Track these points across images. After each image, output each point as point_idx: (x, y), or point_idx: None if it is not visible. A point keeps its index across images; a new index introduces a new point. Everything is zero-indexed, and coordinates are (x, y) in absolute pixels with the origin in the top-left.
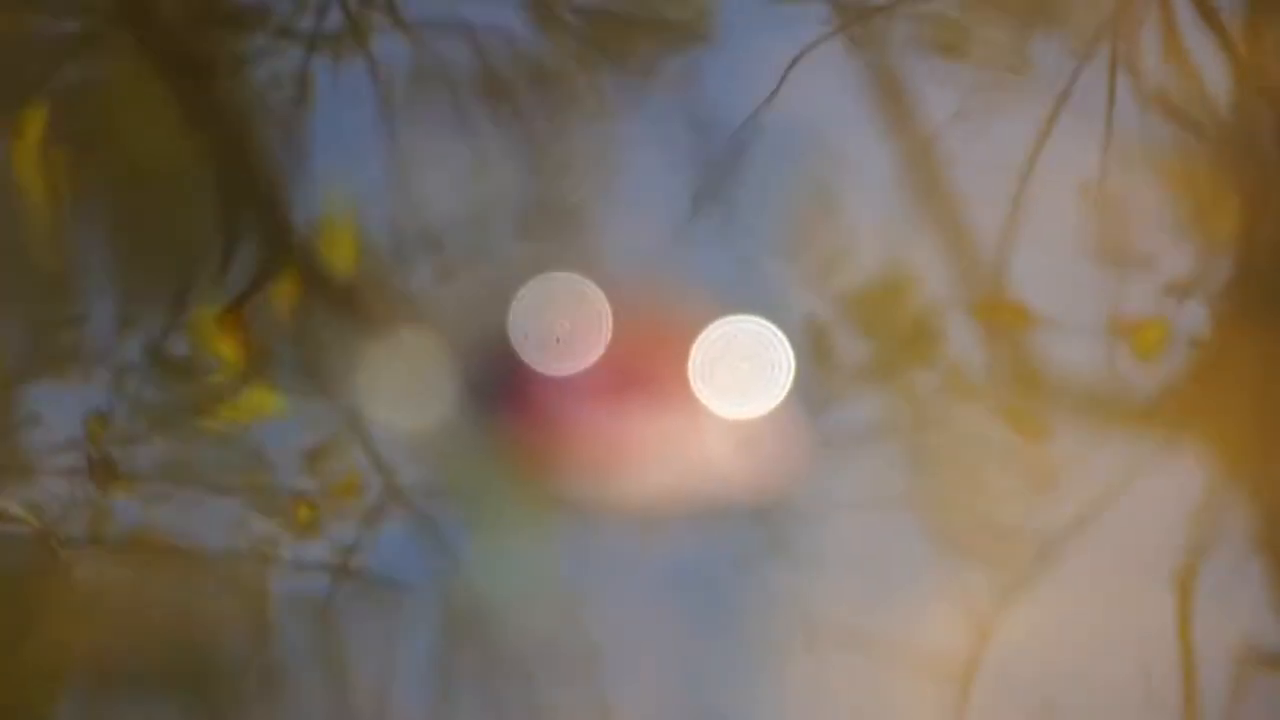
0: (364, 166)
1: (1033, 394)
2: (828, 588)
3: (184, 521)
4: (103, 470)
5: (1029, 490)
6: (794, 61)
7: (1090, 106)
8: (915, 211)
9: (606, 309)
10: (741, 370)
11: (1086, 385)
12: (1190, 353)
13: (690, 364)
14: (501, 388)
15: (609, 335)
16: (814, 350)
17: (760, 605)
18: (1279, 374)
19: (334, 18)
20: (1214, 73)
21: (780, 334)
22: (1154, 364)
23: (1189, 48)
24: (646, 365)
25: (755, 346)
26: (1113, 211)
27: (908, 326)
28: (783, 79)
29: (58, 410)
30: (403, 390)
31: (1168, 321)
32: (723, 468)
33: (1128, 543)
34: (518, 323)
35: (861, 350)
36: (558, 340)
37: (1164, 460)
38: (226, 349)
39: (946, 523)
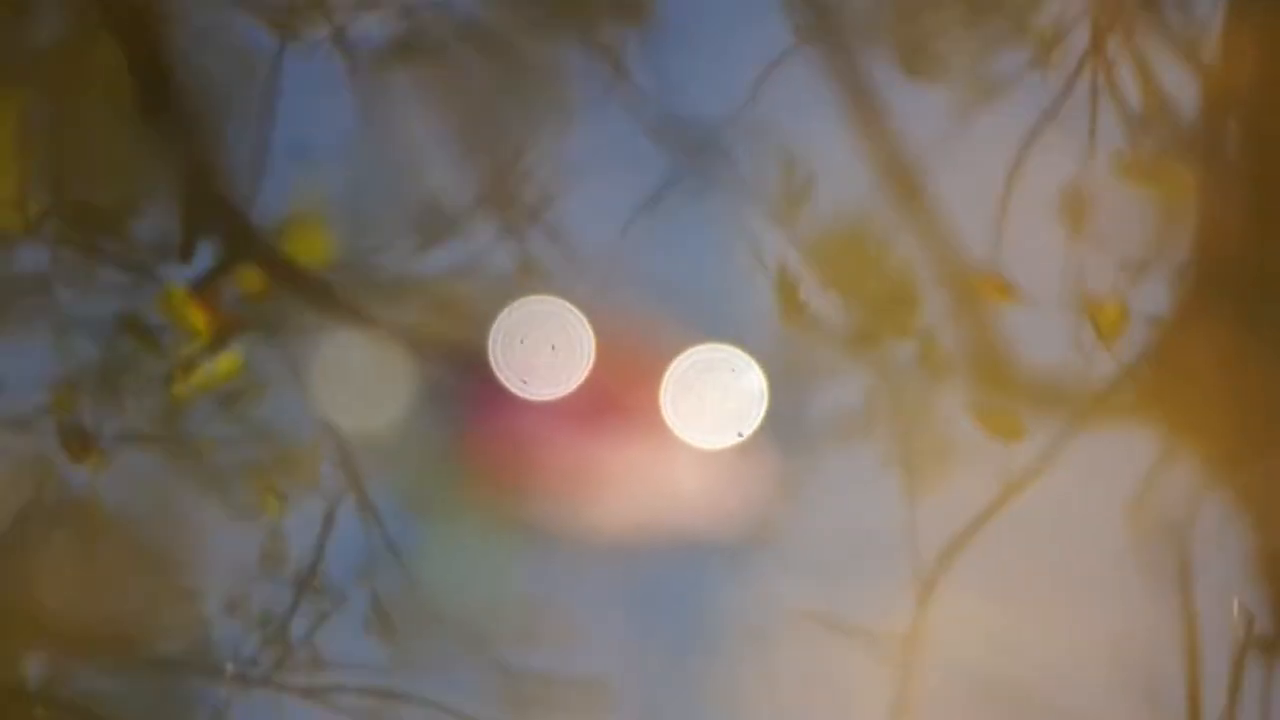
0: (330, 149)
1: (1000, 384)
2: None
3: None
4: (76, 440)
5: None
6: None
7: (1070, 113)
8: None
9: (589, 336)
10: (713, 399)
11: (1050, 371)
12: (1149, 337)
13: (661, 392)
14: (472, 403)
15: (590, 363)
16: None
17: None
18: (1237, 359)
19: None
20: (1180, 76)
21: (753, 362)
22: (1116, 343)
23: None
24: (619, 391)
25: (728, 375)
26: (1082, 200)
27: (885, 295)
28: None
29: (21, 376)
30: (367, 390)
31: (1127, 301)
32: (692, 498)
33: (1078, 520)
34: (497, 343)
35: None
36: (540, 366)
37: (1121, 441)
38: (197, 322)
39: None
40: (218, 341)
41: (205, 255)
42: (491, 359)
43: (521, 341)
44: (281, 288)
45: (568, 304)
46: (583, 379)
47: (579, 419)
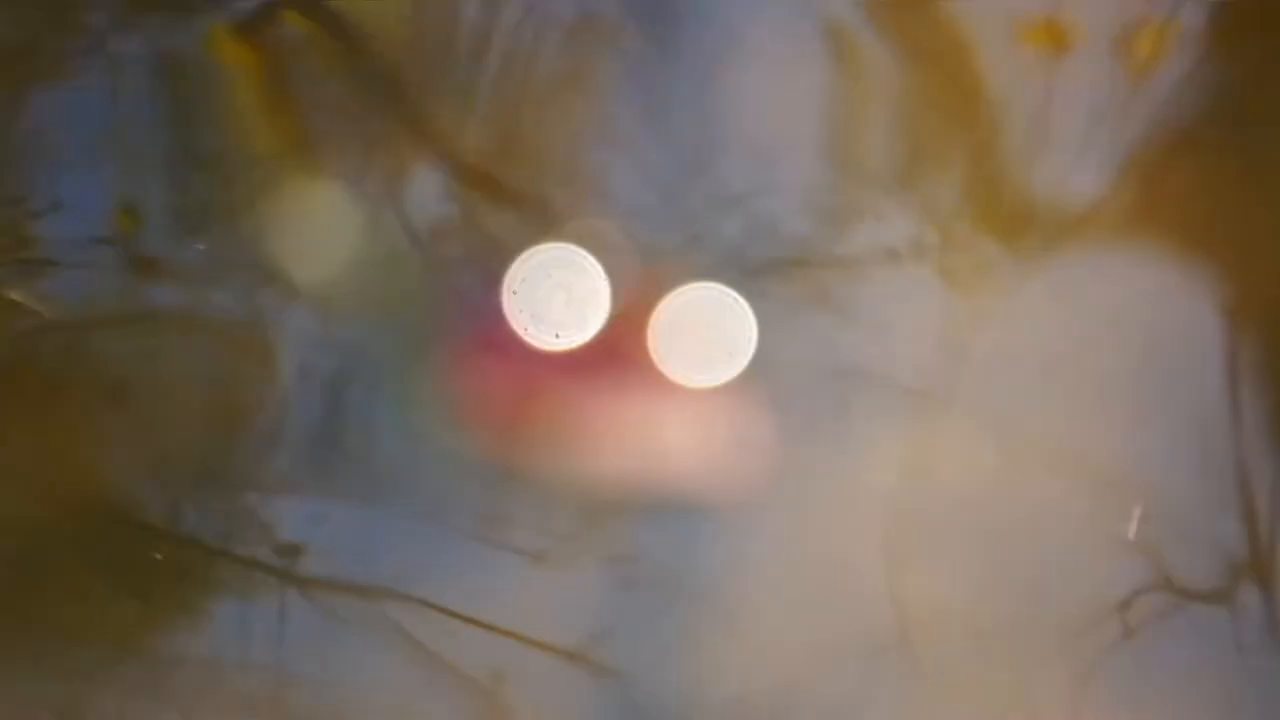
0: None
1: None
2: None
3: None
4: (142, 264)
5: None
6: None
7: None
8: None
9: (605, 287)
10: (703, 337)
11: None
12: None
13: (650, 331)
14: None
15: (605, 316)
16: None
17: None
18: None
19: None
20: None
21: (742, 300)
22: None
23: None
24: (614, 335)
25: (717, 313)
26: None
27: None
28: None
29: (87, 200)
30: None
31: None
32: (682, 443)
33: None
34: (512, 288)
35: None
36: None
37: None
38: (247, 59)
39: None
40: (290, 163)
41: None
42: (505, 302)
43: (535, 287)
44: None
45: (584, 251)
46: (598, 329)
47: (582, 366)
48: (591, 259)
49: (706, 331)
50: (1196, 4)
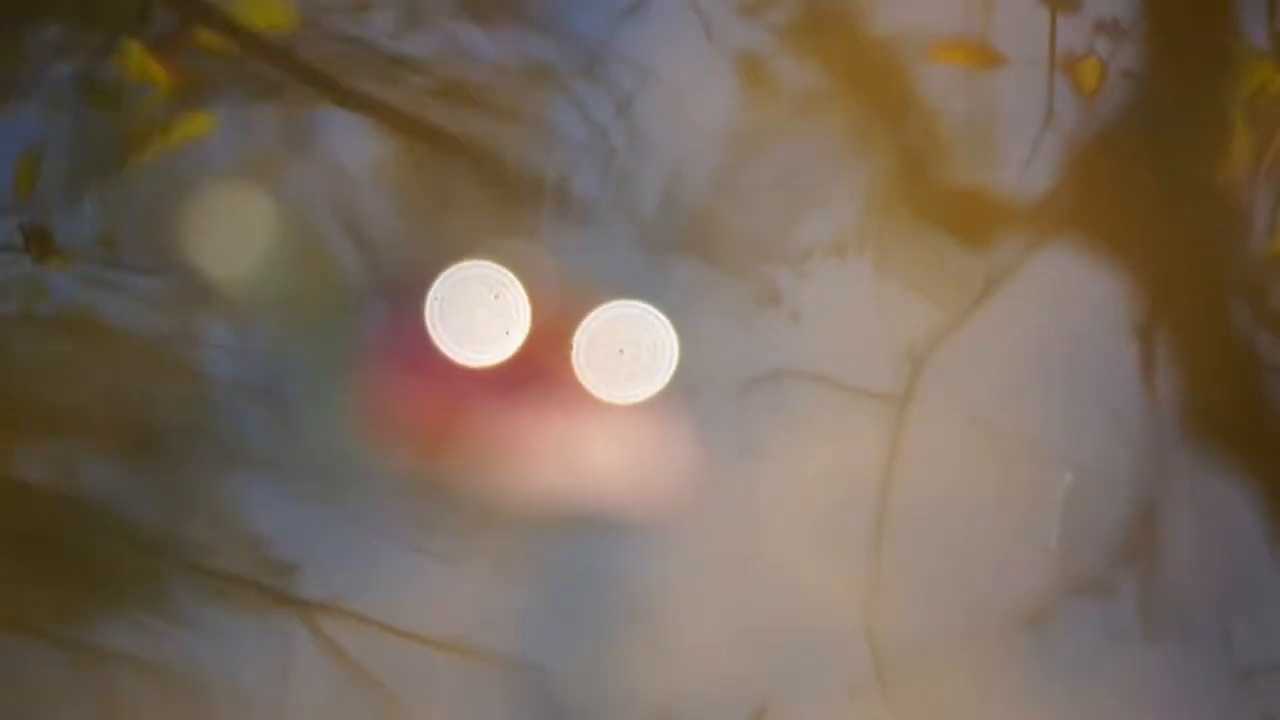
0: None
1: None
2: None
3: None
4: (39, 241)
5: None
6: None
7: None
8: None
9: (526, 303)
10: (624, 355)
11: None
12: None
13: (573, 349)
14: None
15: (526, 331)
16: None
17: None
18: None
19: None
20: None
21: (663, 318)
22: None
23: None
24: (535, 352)
25: (638, 330)
26: None
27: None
28: None
29: None
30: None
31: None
32: (604, 457)
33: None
34: (434, 305)
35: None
36: (477, 332)
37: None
38: (158, 76)
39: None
40: (183, 96)
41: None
42: (428, 321)
43: (461, 308)
44: (241, 50)
45: (507, 271)
46: (518, 344)
47: (503, 383)
48: (513, 277)
49: (629, 348)
50: (1129, 41)
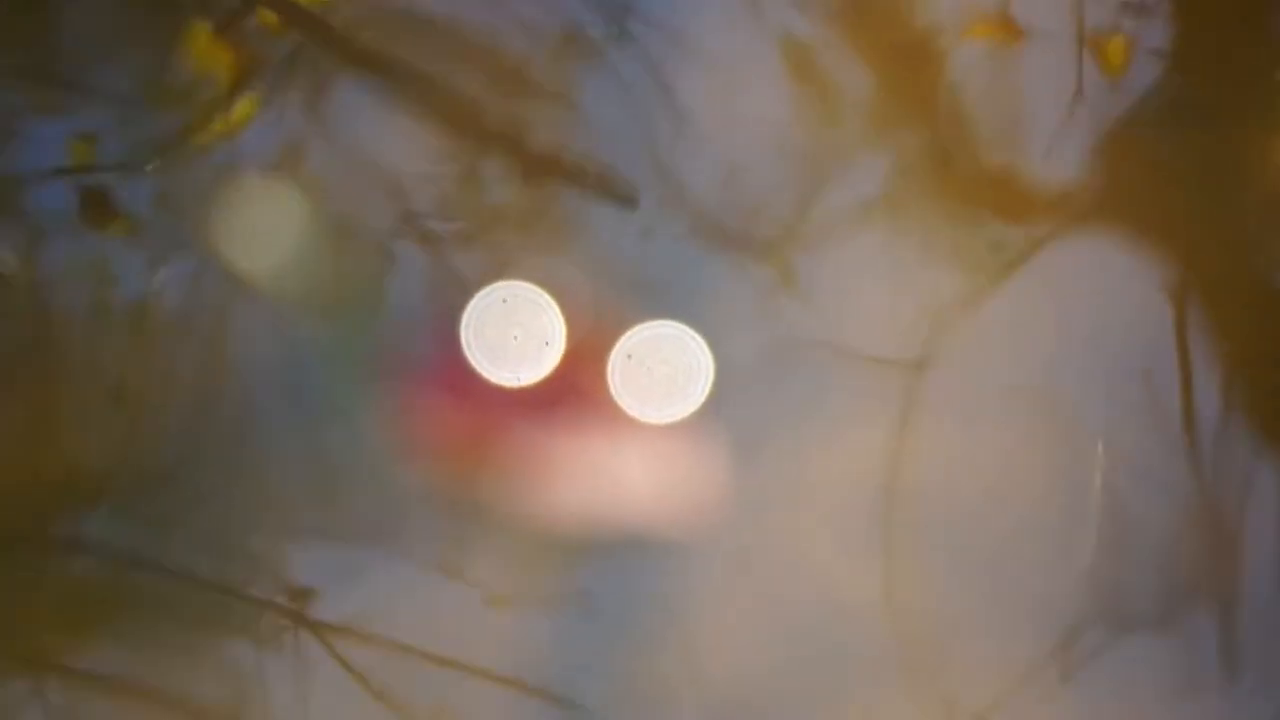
0: None
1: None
2: None
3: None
4: (97, 205)
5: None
6: None
7: None
8: None
9: (560, 324)
10: (660, 374)
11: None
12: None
13: (609, 370)
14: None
15: (560, 351)
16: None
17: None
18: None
19: None
20: None
21: (698, 338)
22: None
23: None
24: (574, 373)
25: (674, 351)
26: None
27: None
28: None
29: (49, 143)
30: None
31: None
32: (640, 478)
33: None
34: (469, 325)
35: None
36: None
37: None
38: (222, 61)
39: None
40: (238, 85)
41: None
42: (463, 340)
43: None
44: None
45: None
46: (553, 363)
47: (538, 403)
48: (548, 297)
49: (663, 368)
50: (1156, 19)
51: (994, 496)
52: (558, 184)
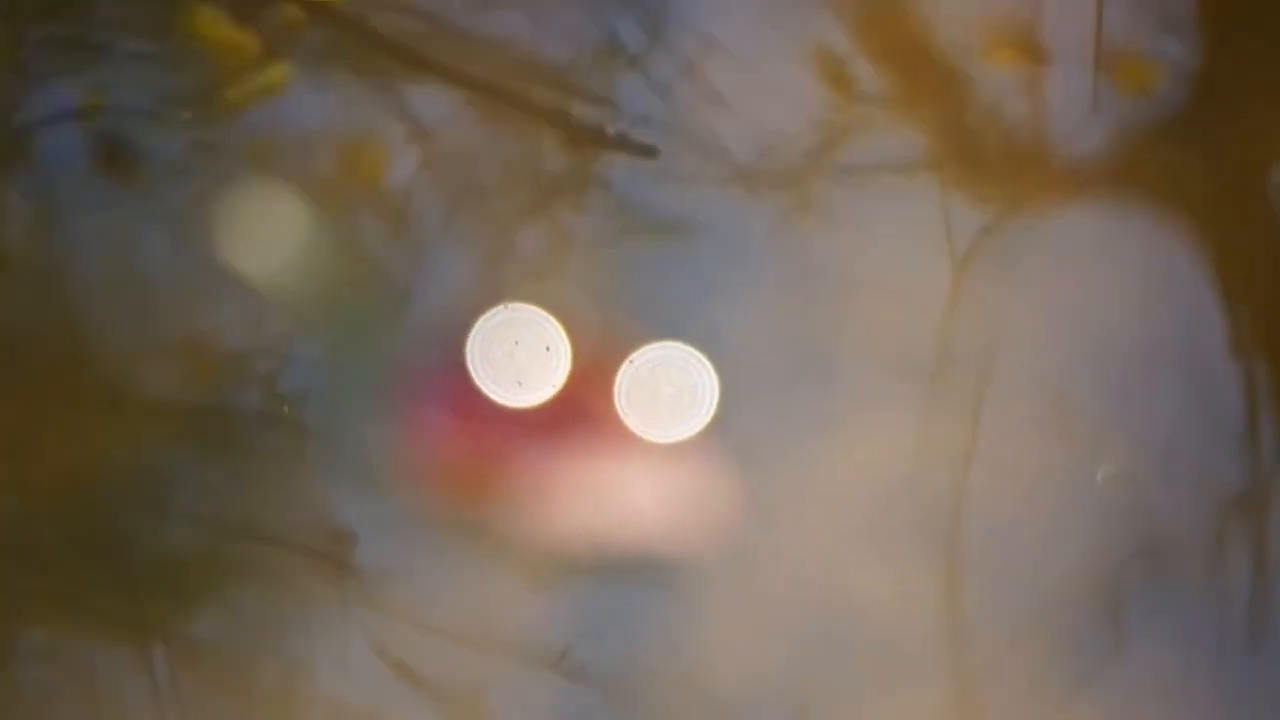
0: None
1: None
2: None
3: None
4: (110, 153)
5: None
6: None
7: None
8: None
9: (565, 346)
10: (666, 394)
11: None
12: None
13: (615, 390)
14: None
15: (564, 371)
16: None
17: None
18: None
19: None
20: None
21: (703, 358)
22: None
23: None
24: (578, 393)
25: (679, 371)
26: None
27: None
28: None
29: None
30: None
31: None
32: (646, 498)
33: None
34: (474, 347)
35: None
36: (516, 378)
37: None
38: (241, 41)
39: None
40: (266, 54)
41: None
42: (469, 361)
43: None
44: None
45: (541, 310)
46: (560, 383)
47: (543, 425)
48: (553, 319)
49: (668, 388)
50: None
51: (1015, 497)
52: (581, 145)
